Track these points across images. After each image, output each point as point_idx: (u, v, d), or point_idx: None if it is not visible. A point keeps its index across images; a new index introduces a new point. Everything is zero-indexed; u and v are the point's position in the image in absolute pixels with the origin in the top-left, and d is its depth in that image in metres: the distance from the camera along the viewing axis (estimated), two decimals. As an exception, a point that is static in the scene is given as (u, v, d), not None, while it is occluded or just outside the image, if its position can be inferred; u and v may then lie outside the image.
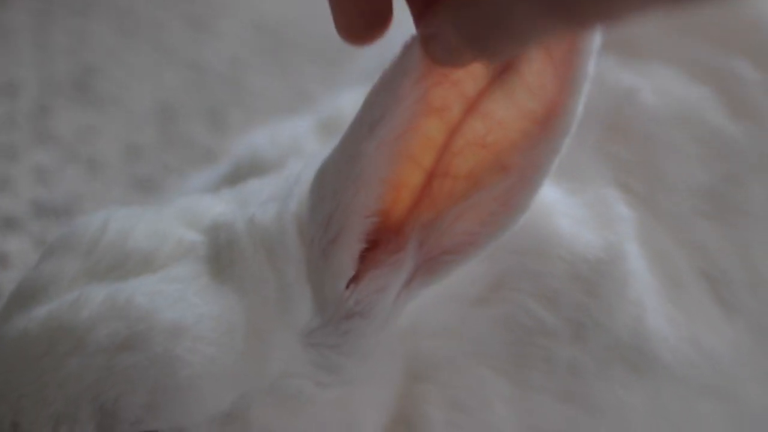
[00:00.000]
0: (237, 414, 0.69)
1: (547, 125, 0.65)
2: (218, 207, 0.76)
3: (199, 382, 0.68)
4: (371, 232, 0.69)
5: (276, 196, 0.75)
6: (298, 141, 0.89)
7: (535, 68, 0.64)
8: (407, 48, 0.62)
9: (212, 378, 0.68)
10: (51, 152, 1.20)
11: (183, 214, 0.76)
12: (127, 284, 0.69)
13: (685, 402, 0.79)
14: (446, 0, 0.57)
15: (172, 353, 0.67)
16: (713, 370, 0.79)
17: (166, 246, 0.72)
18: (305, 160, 0.81)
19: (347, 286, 0.70)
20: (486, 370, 0.76)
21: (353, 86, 0.90)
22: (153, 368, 0.67)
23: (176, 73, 1.37)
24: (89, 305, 0.68)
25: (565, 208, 0.79)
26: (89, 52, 1.36)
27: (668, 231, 0.81)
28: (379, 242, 0.70)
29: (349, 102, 0.82)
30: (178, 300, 0.69)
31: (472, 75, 0.64)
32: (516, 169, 0.67)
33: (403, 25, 0.63)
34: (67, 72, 1.33)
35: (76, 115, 1.27)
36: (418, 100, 0.65)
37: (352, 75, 1.07)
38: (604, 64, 0.75)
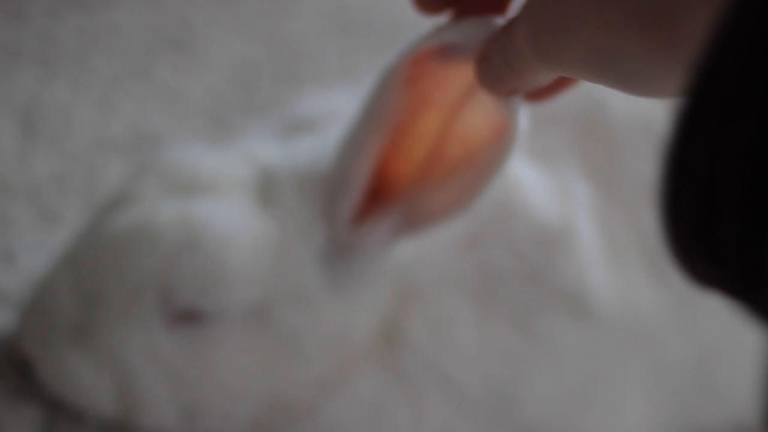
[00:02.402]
0: (264, 309, 0.79)
1: (500, 135, 0.68)
2: (270, 152, 0.85)
3: (238, 279, 0.78)
4: (372, 190, 0.75)
5: (314, 150, 0.83)
6: (340, 108, 0.92)
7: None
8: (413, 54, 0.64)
9: (248, 277, 0.78)
10: (147, 89, 1.25)
11: (242, 154, 0.85)
12: (194, 202, 0.80)
13: (613, 346, 0.86)
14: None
15: (221, 256, 0.78)
16: (639, 323, 0.86)
17: (226, 177, 0.82)
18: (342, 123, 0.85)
19: (349, 226, 0.77)
20: (460, 298, 0.84)
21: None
22: (205, 265, 0.78)
23: (256, 41, 1.38)
24: (164, 214, 0.79)
25: (537, 184, 0.85)
26: (191, 9, 1.39)
27: (618, 213, 0.87)
28: (380, 198, 0.76)
29: None
30: (230, 218, 0.79)
31: (458, 83, 0.67)
32: (479, 164, 0.71)
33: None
34: (169, 26, 1.36)
35: (171, 59, 1.31)
36: (420, 98, 0.69)
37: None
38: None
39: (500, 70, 0.58)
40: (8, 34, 1.31)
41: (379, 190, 0.75)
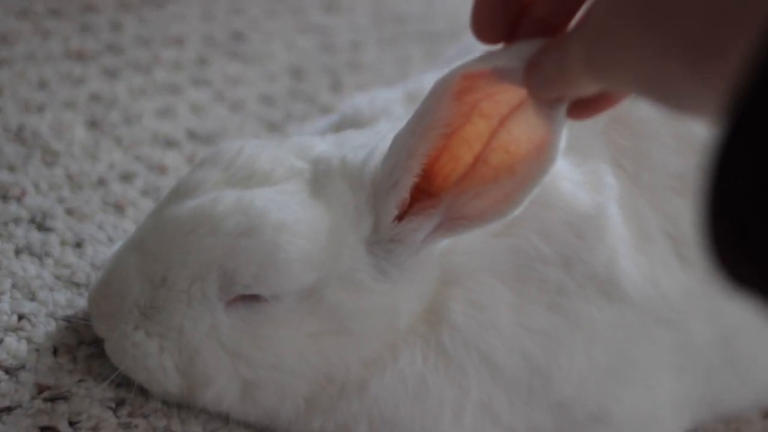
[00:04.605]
0: (315, 291, 0.82)
1: (540, 151, 0.72)
2: (322, 146, 0.88)
3: (292, 264, 0.80)
4: (417, 189, 0.78)
5: (365, 145, 0.85)
6: (389, 106, 0.96)
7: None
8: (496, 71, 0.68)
9: (301, 262, 0.81)
10: (204, 93, 1.27)
11: (296, 148, 0.87)
12: (251, 192, 0.83)
13: (642, 326, 0.88)
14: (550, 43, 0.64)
15: (276, 241, 0.80)
16: (666, 305, 0.88)
17: (281, 169, 0.85)
18: (393, 122, 0.89)
19: (394, 220, 0.81)
20: (497, 282, 0.86)
21: (437, 70, 0.92)
22: (262, 250, 0.80)
23: (307, 40, 1.43)
24: (224, 203, 0.82)
25: (569, 174, 0.87)
26: (240, 20, 1.42)
27: (645, 199, 0.89)
28: (422, 198, 0.79)
29: (430, 80, 0.82)
30: (285, 206, 0.81)
31: (506, 97, 0.71)
32: (519, 175, 0.75)
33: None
34: (222, 33, 1.39)
35: (227, 66, 1.34)
36: (470, 108, 0.73)
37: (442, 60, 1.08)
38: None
39: (550, 77, 0.62)
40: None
41: (428, 188, 0.78)
